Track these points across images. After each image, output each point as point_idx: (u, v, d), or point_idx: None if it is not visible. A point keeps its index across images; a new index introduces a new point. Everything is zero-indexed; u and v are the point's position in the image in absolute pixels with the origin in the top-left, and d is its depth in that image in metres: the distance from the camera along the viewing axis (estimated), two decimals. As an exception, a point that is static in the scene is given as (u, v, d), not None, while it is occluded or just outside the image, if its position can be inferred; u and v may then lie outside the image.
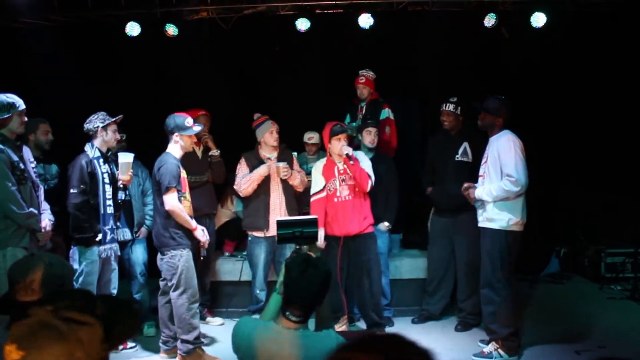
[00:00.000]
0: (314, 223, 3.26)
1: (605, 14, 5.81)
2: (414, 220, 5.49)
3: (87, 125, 4.31)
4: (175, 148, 4.28)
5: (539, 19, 5.74)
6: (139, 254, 4.96)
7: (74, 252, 4.21)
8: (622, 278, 5.86)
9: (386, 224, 5.07)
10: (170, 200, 4.12)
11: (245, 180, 4.91)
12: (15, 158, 3.81)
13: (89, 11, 5.64)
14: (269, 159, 5.00)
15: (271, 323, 2.32)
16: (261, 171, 4.90)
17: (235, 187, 5.05)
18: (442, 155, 5.00)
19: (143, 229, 5.00)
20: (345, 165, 4.70)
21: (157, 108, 5.18)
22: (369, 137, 5.06)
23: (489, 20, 5.82)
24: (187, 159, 4.56)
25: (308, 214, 5.66)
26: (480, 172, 4.38)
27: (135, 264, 4.93)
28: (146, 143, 5.25)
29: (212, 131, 5.27)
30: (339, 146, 4.65)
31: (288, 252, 4.99)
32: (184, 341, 4.20)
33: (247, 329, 2.33)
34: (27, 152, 4.04)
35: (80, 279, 4.13)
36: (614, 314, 5.11)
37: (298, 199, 5.66)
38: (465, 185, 4.43)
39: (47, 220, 4.06)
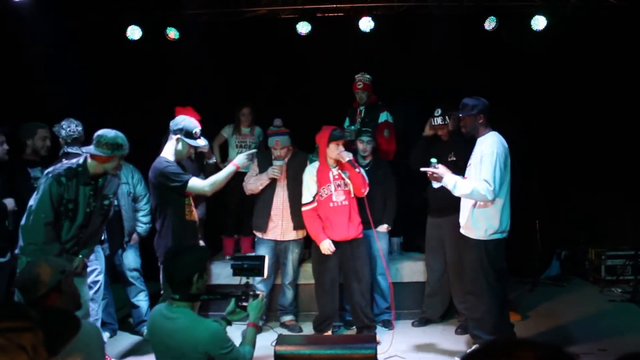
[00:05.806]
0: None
1: (605, 18, 5.82)
2: (415, 223, 5.48)
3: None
4: (171, 150, 4.00)
5: (539, 22, 5.76)
6: (130, 259, 4.96)
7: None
8: (623, 280, 5.88)
9: (385, 226, 5.09)
10: (194, 185, 3.95)
11: (255, 179, 4.93)
12: (70, 196, 3.55)
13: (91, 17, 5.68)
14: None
15: (165, 304, 2.82)
16: (269, 175, 4.86)
17: (244, 184, 5.04)
18: (437, 156, 4.97)
19: (134, 236, 4.99)
20: (340, 171, 4.65)
21: (156, 112, 5.20)
22: (360, 145, 5.06)
23: (490, 24, 5.84)
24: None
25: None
26: (466, 174, 4.25)
27: (126, 269, 4.95)
28: (144, 147, 5.26)
29: (212, 136, 5.24)
30: (336, 151, 4.57)
31: (292, 254, 4.99)
32: None
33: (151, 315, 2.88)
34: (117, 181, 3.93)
35: (91, 276, 4.23)
36: (615, 316, 5.12)
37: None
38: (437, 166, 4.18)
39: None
